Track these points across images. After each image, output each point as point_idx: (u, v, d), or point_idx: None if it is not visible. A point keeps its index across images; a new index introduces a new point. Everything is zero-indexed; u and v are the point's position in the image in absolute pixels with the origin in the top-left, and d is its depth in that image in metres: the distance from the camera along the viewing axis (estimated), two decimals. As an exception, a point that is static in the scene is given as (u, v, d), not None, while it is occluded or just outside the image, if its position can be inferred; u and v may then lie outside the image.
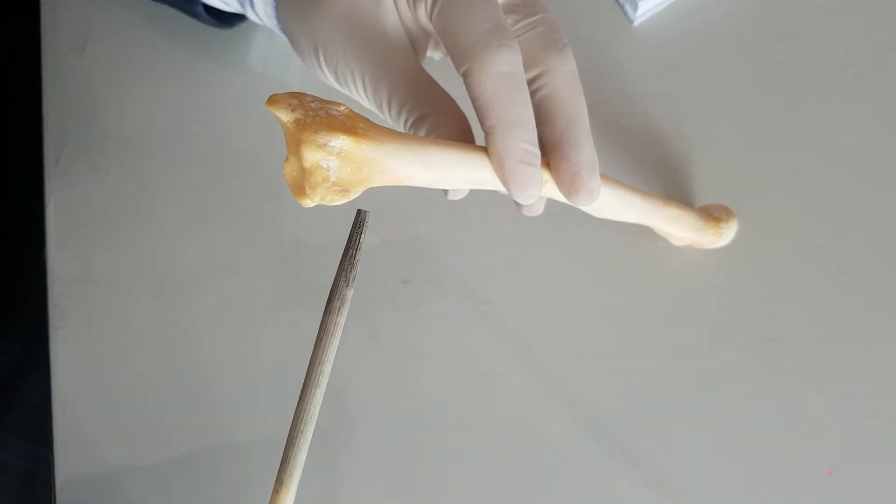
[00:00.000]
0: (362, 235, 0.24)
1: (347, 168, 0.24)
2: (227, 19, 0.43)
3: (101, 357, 0.45)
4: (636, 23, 0.43)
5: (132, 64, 0.48)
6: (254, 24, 0.46)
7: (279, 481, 0.22)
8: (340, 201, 0.24)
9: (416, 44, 0.32)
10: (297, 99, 0.24)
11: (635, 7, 0.42)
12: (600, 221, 0.41)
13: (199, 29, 0.47)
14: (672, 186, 0.42)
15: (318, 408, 0.22)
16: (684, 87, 0.42)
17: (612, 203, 0.33)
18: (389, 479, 0.41)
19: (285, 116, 0.24)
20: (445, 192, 0.30)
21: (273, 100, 0.24)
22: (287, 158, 0.25)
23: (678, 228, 0.37)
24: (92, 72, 0.48)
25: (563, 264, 0.42)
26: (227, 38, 0.47)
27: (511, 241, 0.43)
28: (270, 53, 0.46)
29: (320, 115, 0.24)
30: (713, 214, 0.39)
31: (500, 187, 0.28)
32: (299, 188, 0.25)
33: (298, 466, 0.22)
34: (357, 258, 0.23)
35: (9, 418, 0.55)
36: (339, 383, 0.42)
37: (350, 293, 0.23)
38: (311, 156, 0.23)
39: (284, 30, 0.34)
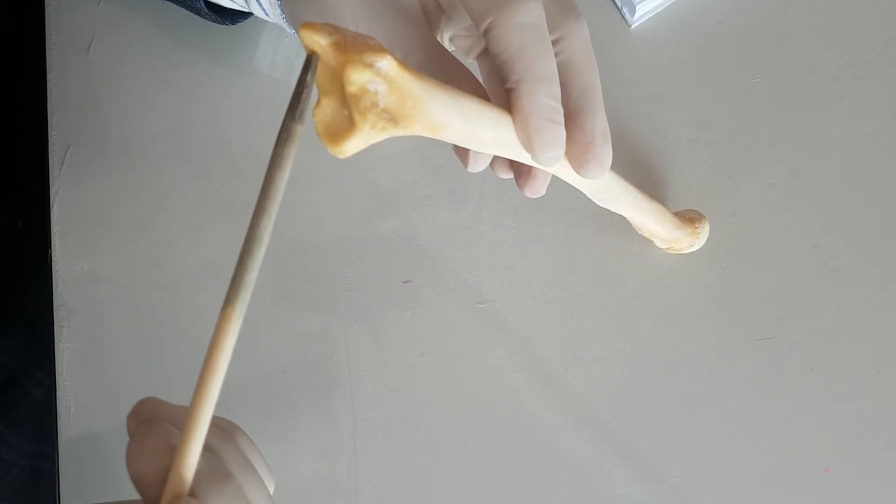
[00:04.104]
0: (309, 74, 0.23)
1: (394, 97, 0.23)
2: (230, 16, 0.43)
3: (105, 355, 0.45)
4: (634, 26, 0.44)
5: (137, 65, 0.48)
6: (259, 24, 0.47)
7: (226, 300, 0.23)
8: (390, 131, 0.23)
9: (430, 19, 0.31)
10: (332, 26, 0.23)
11: (633, 10, 0.42)
12: (598, 223, 0.42)
13: (204, 30, 0.47)
14: (669, 187, 0.42)
15: (267, 232, 0.23)
16: (682, 90, 0.43)
17: (612, 185, 0.33)
18: (390, 476, 0.42)
19: (324, 40, 0.23)
20: (466, 162, 0.29)
21: (308, 24, 0.23)
22: (318, 104, 0.24)
23: (663, 227, 0.38)
24: (96, 73, 0.48)
25: (561, 265, 0.42)
26: (233, 39, 0.47)
27: (510, 242, 0.43)
28: (276, 55, 0.47)
29: (359, 41, 0.23)
30: (686, 217, 0.39)
31: (523, 154, 0.27)
32: (337, 131, 0.24)
33: (245, 287, 0.23)
34: (304, 95, 0.23)
35: (13, 416, 0.56)
36: (340, 381, 0.43)
37: (298, 127, 0.23)
38: (358, 77, 0.22)
39: (289, 17, 0.34)
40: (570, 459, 0.40)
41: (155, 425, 0.26)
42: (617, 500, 0.40)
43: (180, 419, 0.28)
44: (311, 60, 0.23)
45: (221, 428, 0.30)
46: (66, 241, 0.47)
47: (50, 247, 0.47)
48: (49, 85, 0.49)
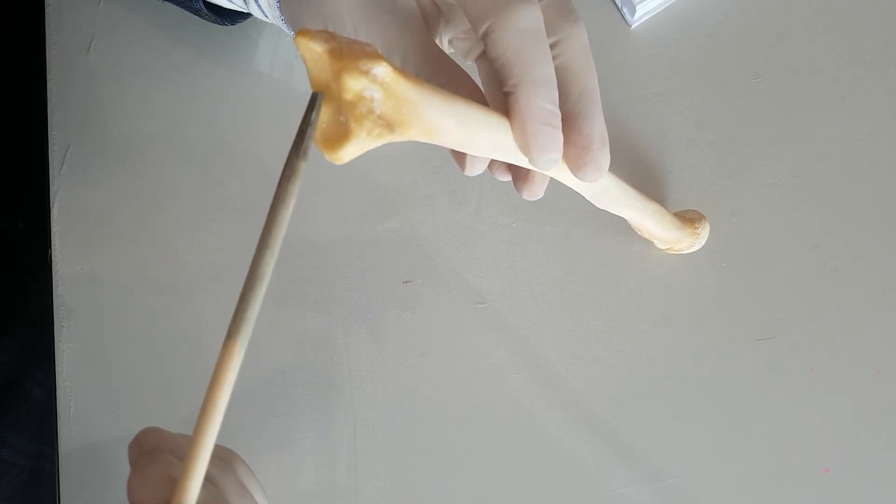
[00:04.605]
0: (314, 113, 0.23)
1: (390, 103, 0.23)
2: (230, 16, 0.43)
3: (105, 356, 0.45)
4: (634, 26, 0.44)
5: (137, 65, 0.48)
6: (258, 24, 0.47)
7: (228, 335, 0.23)
8: (387, 137, 0.23)
9: (428, 21, 0.31)
10: (328, 33, 0.23)
11: (633, 10, 0.42)
12: (598, 224, 0.42)
13: (204, 30, 0.47)
14: (669, 188, 0.42)
15: (270, 268, 0.23)
16: (682, 90, 0.43)
17: (610, 188, 0.33)
18: (390, 476, 0.42)
19: (319, 47, 0.23)
20: (463, 166, 0.29)
21: (304, 32, 0.23)
22: None
23: (663, 228, 0.38)
24: (96, 73, 0.49)
25: (561, 265, 0.42)
26: (233, 39, 0.47)
27: (510, 242, 0.43)
28: (276, 56, 0.47)
29: (355, 48, 0.23)
30: (686, 217, 0.39)
31: (521, 157, 0.27)
32: (333, 138, 0.23)
33: (247, 322, 0.23)
34: (308, 133, 0.23)
35: (13, 417, 0.56)
36: (340, 381, 0.43)
37: (301, 164, 0.23)
38: (354, 84, 0.22)
39: (288, 18, 0.34)
40: (570, 459, 0.40)
41: (156, 456, 0.26)
42: (617, 500, 0.40)
43: (181, 449, 0.28)
44: (315, 98, 0.23)
45: (221, 457, 0.30)
46: (66, 241, 0.47)
47: (50, 247, 0.47)
48: (49, 85, 0.49)
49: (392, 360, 0.43)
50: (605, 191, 0.33)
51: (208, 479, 0.27)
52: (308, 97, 0.24)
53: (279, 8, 0.34)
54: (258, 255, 0.23)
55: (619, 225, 0.40)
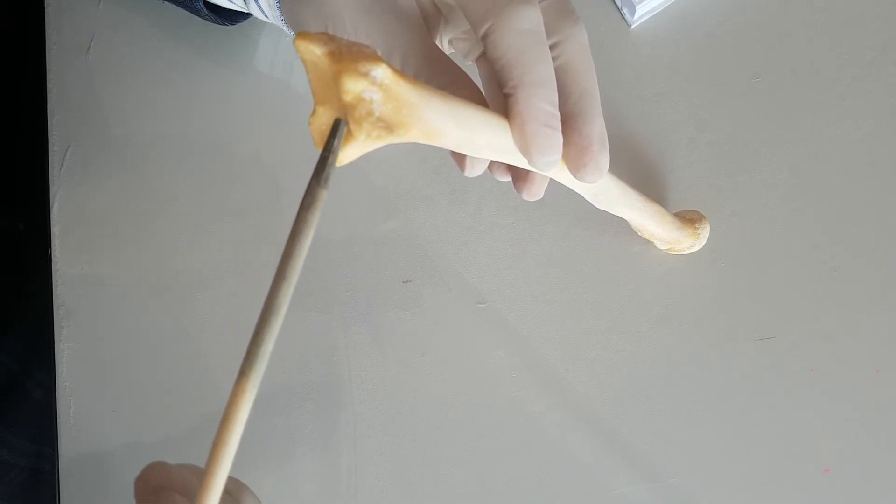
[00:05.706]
0: (336, 140, 0.23)
1: (389, 105, 0.23)
2: (230, 16, 0.43)
3: (105, 356, 0.45)
4: (634, 26, 0.44)
5: (136, 65, 0.48)
6: (258, 25, 0.47)
7: (241, 372, 0.22)
8: (386, 139, 0.23)
9: (428, 22, 0.31)
10: (327, 35, 0.23)
11: (633, 10, 0.42)
12: (598, 224, 0.42)
13: (204, 31, 0.47)
14: (669, 188, 0.42)
15: (286, 301, 0.22)
16: (682, 90, 0.43)
17: (610, 188, 0.33)
18: (390, 476, 0.42)
19: (318, 49, 0.22)
20: (463, 167, 0.29)
21: (303, 34, 0.23)
22: (314, 112, 0.24)
23: (663, 228, 0.38)
24: (96, 73, 0.49)
25: (561, 265, 0.42)
26: (233, 39, 0.47)
27: (510, 242, 0.43)
28: (276, 56, 0.47)
29: (354, 50, 0.23)
30: (686, 217, 0.39)
31: (520, 158, 0.27)
32: None
33: (261, 358, 0.22)
34: (330, 161, 0.22)
35: (13, 417, 0.56)
36: (340, 381, 0.43)
37: (322, 193, 0.22)
38: (353, 86, 0.22)
39: (288, 18, 0.34)
40: (570, 459, 0.40)
41: (162, 496, 0.26)
42: (617, 500, 0.40)
43: (188, 484, 0.28)
44: (338, 125, 0.23)
45: (230, 492, 0.30)
46: (66, 241, 0.47)
47: (50, 247, 0.47)
48: (49, 85, 0.49)
49: (392, 360, 0.43)
50: (605, 191, 0.33)
51: None
52: (307, 97, 0.23)
53: (279, 8, 0.34)
54: (275, 286, 0.22)
55: (619, 225, 0.40)
